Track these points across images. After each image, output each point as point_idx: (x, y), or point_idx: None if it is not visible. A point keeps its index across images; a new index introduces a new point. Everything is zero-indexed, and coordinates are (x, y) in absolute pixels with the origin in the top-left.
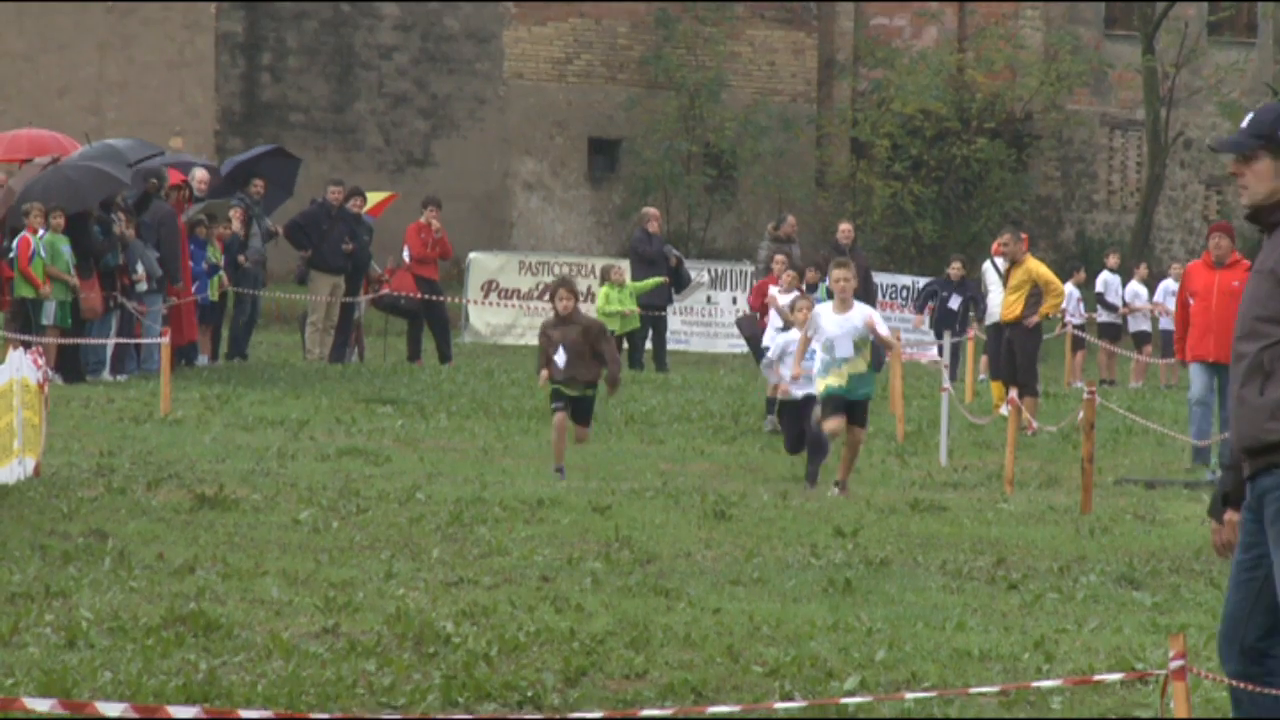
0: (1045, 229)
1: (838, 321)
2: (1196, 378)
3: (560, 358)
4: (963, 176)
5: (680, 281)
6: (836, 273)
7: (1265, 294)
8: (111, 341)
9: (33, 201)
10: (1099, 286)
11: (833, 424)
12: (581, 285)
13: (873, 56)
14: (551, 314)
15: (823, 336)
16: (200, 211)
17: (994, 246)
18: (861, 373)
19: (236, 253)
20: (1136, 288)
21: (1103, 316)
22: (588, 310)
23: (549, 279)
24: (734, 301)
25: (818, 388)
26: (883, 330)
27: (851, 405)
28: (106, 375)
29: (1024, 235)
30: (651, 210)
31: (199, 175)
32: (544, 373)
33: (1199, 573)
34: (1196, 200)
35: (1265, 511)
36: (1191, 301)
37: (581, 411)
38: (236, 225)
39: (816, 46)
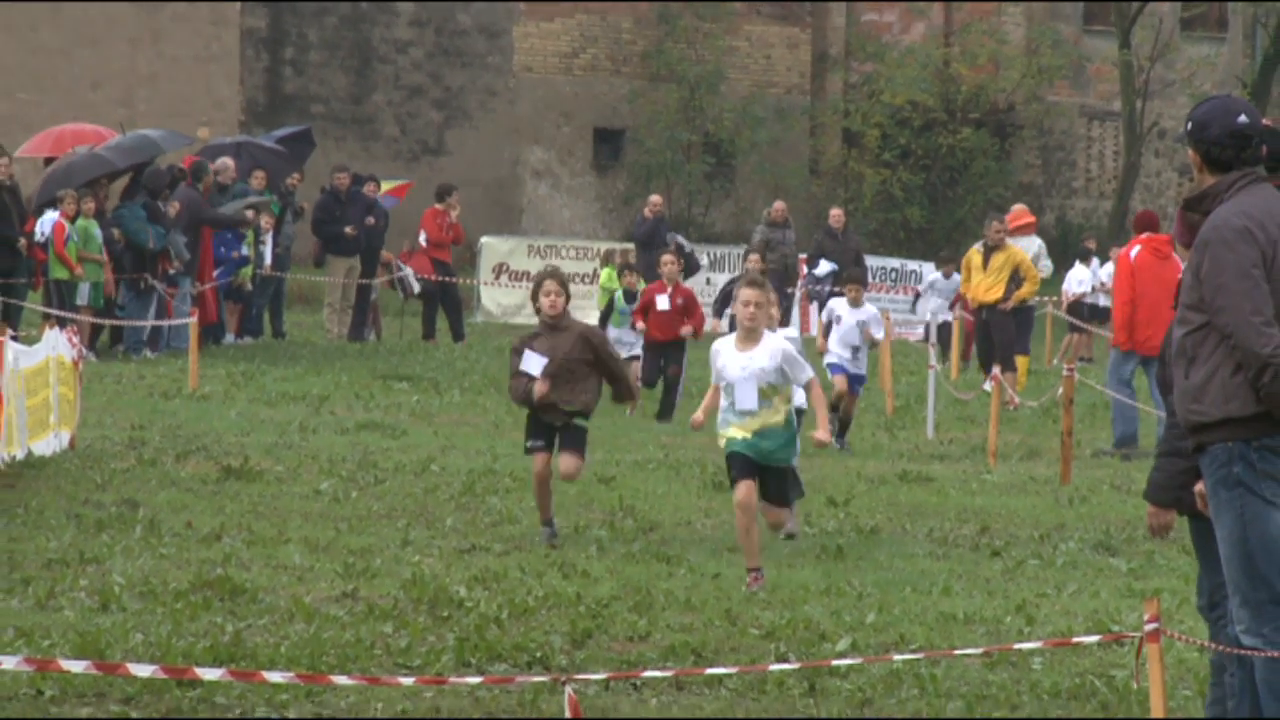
0: None
1: (739, 361)
2: None
3: (533, 362)
4: (949, 164)
5: (690, 267)
6: (745, 293)
7: (1189, 283)
8: (148, 323)
9: (63, 189)
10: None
11: (741, 491)
12: (587, 267)
13: (863, 51)
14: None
15: (722, 379)
16: (249, 206)
17: (993, 229)
18: (774, 427)
19: (257, 240)
20: (1046, 265)
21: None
22: (585, 305)
23: (557, 261)
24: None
25: (720, 439)
26: (800, 373)
27: (764, 472)
28: (149, 354)
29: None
30: (653, 197)
31: (227, 165)
32: (541, 384)
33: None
34: (1170, 187)
35: (1205, 483)
36: None
37: (571, 439)
38: (265, 223)
39: (810, 41)
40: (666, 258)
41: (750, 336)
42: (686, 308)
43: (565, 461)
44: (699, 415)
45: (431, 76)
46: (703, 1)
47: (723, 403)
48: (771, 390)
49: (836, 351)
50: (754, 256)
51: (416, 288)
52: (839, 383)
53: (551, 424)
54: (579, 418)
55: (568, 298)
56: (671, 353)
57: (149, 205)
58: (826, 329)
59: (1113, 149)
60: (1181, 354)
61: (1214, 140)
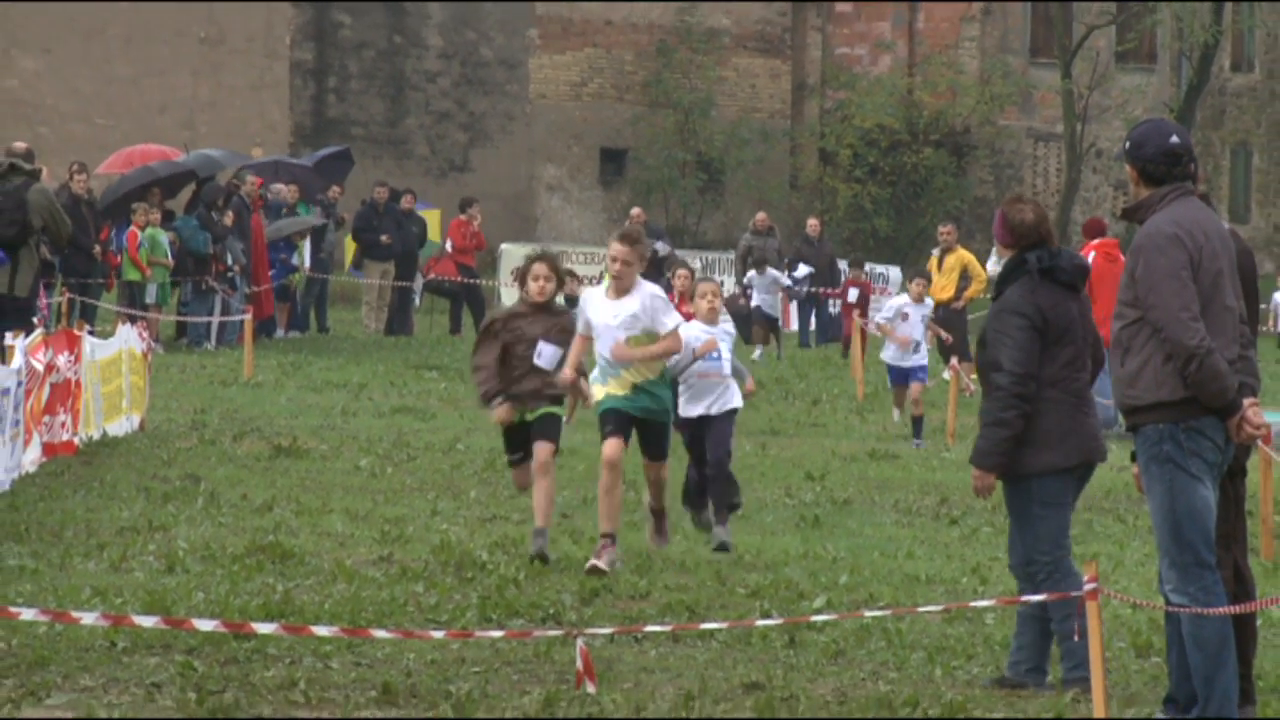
0: (981, 225)
1: (610, 310)
2: None
3: (549, 356)
4: (912, 180)
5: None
6: (615, 248)
7: (1125, 281)
8: (208, 320)
9: (114, 197)
10: None
11: (610, 447)
12: (594, 270)
13: (837, 80)
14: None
15: (593, 331)
16: (299, 226)
17: (941, 234)
18: (652, 381)
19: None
20: None
21: None
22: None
23: (568, 265)
24: (721, 285)
25: (595, 394)
26: (667, 319)
27: (641, 425)
28: (209, 346)
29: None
30: (633, 210)
31: (285, 191)
32: (501, 409)
33: (1108, 510)
34: (1106, 200)
35: (1139, 460)
36: None
37: (547, 428)
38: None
39: (790, 72)
40: (682, 273)
41: (620, 288)
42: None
43: (541, 450)
44: (568, 371)
45: (457, 103)
46: (696, 35)
47: (599, 360)
48: (647, 337)
49: (894, 349)
50: (682, 272)
51: (417, 301)
52: (899, 393)
53: (524, 420)
54: (555, 405)
55: (559, 283)
56: None
57: (201, 216)
58: (892, 325)
59: (1056, 166)
60: (1117, 345)
61: (1149, 158)
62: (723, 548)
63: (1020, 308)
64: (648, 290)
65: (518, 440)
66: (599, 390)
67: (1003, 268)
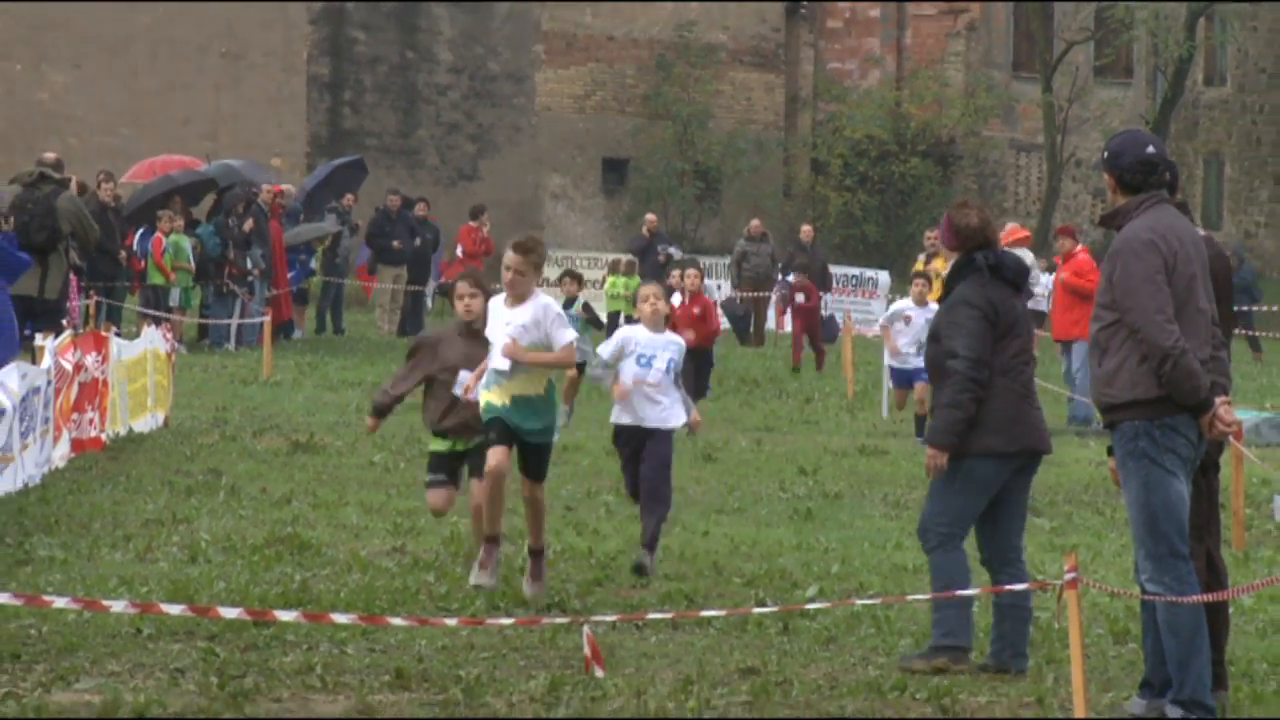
0: None
1: (504, 318)
2: None
3: (461, 383)
4: (900, 189)
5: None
6: (508, 257)
7: (1103, 285)
8: (228, 322)
9: (137, 204)
10: None
11: (494, 458)
12: (597, 275)
13: (829, 93)
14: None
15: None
16: (317, 232)
17: (928, 239)
18: (535, 397)
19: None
20: (1036, 276)
21: None
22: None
23: (571, 269)
24: (718, 287)
25: (481, 402)
26: (561, 334)
27: (521, 443)
28: (230, 347)
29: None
30: (648, 216)
31: (290, 191)
32: (369, 420)
33: (1087, 503)
34: (1085, 208)
35: (1115, 455)
36: None
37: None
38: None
39: (784, 85)
40: (691, 272)
41: (515, 296)
42: (704, 316)
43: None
44: (471, 380)
45: (467, 115)
46: (694, 50)
47: (491, 366)
48: (537, 351)
49: (904, 352)
50: (691, 272)
51: (429, 304)
52: (900, 396)
53: (460, 450)
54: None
55: (486, 296)
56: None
57: (218, 223)
58: (890, 327)
59: (1037, 176)
60: (1095, 346)
61: (1126, 167)
62: (640, 570)
63: (973, 300)
64: (542, 301)
65: (443, 465)
66: (483, 396)
67: (952, 267)
